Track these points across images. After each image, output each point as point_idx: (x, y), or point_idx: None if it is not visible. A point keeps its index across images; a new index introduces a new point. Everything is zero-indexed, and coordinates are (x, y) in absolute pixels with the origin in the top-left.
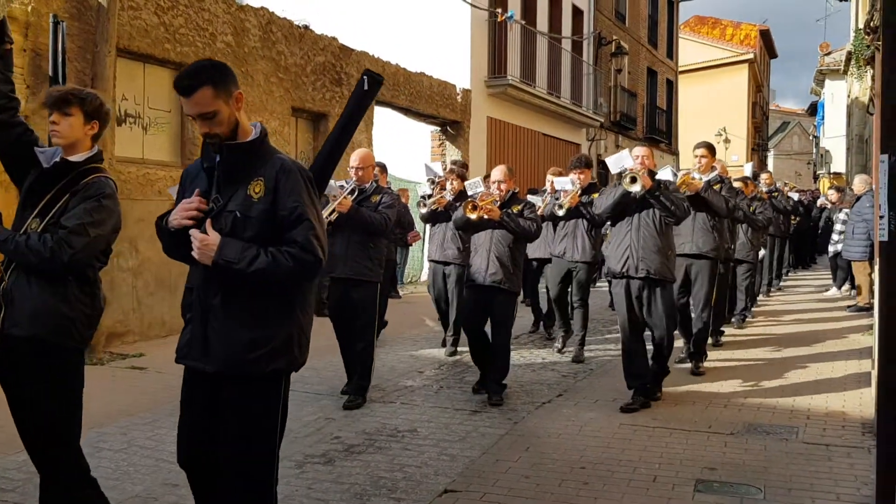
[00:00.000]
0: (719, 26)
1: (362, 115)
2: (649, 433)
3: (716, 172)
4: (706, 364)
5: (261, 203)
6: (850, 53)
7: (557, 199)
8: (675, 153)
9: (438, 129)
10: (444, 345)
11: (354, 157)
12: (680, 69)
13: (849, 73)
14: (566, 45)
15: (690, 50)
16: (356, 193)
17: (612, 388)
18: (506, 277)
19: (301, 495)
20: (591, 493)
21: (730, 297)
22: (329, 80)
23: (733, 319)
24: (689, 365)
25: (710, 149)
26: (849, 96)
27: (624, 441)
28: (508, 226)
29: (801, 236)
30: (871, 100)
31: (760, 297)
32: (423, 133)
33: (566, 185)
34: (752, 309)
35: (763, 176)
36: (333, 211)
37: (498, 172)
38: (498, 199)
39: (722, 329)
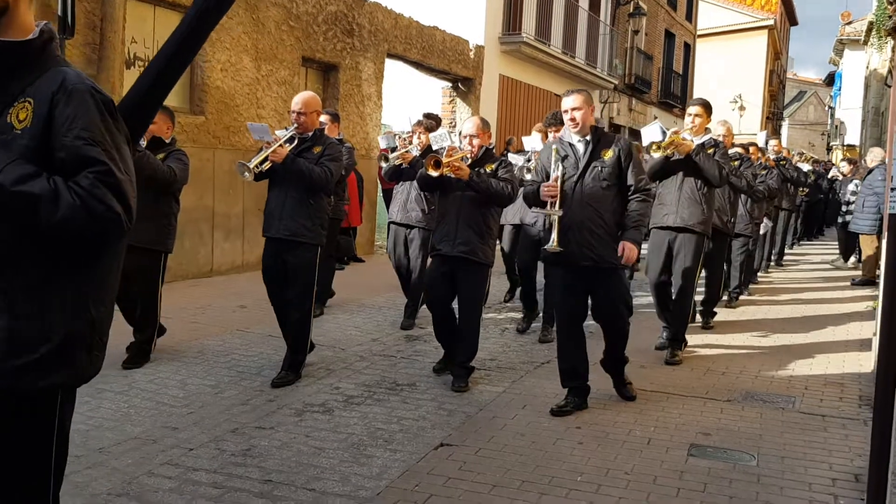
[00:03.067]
0: None
1: (212, 29)
2: (646, 397)
3: (710, 135)
4: (688, 344)
5: (25, 137)
6: (871, 24)
7: (530, 160)
8: None
9: (450, 85)
10: (406, 325)
11: (296, 101)
12: (698, 33)
13: (869, 43)
14: (583, 3)
15: (710, 13)
16: (295, 142)
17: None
18: (477, 247)
19: (299, 443)
20: (584, 453)
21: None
22: (341, 30)
23: (724, 297)
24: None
25: (707, 107)
26: (867, 68)
27: (620, 404)
28: (479, 187)
29: (811, 208)
30: (889, 72)
31: (760, 274)
32: (434, 89)
33: (536, 144)
34: (750, 286)
35: (772, 143)
36: (266, 160)
37: (470, 125)
38: (469, 155)
39: (715, 311)
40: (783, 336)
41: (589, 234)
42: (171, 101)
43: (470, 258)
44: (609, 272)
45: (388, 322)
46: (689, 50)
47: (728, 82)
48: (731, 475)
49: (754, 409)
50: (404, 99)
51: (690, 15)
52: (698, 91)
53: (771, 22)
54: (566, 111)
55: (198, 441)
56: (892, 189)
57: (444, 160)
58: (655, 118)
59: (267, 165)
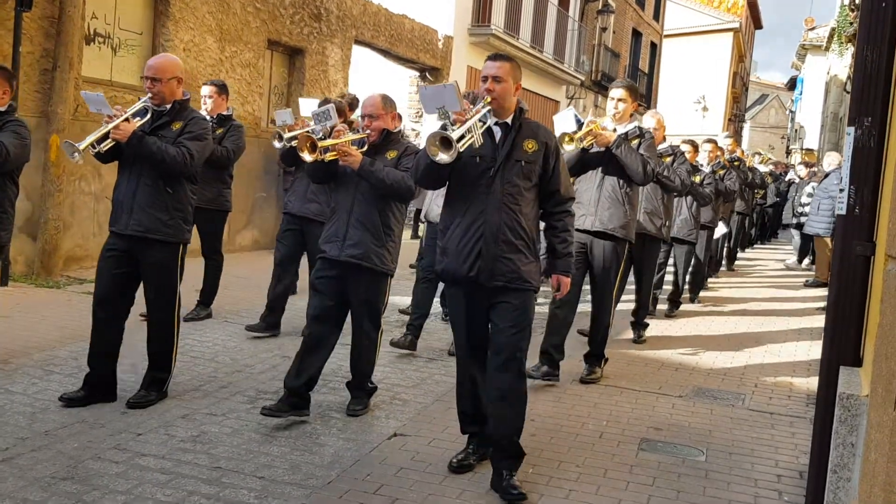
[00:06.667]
0: None
1: None
2: (600, 391)
3: (635, 124)
4: (647, 333)
5: None
6: (833, 30)
7: None
8: None
9: (417, 74)
10: (254, 328)
11: (149, 64)
12: (664, 33)
13: (830, 49)
14: None
15: (676, 13)
16: (148, 116)
17: (567, 345)
18: (370, 251)
19: (250, 430)
20: (537, 445)
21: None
22: (308, 14)
23: (665, 306)
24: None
25: (632, 91)
26: (828, 73)
27: (575, 397)
28: (371, 177)
29: (767, 210)
30: (849, 78)
31: (711, 280)
32: (401, 78)
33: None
34: (701, 293)
35: (726, 142)
36: (107, 138)
37: (370, 103)
38: (367, 139)
39: (646, 322)
40: (736, 335)
41: (506, 245)
42: (130, 79)
43: (361, 264)
44: (522, 295)
45: None
46: (655, 49)
47: (692, 83)
48: (679, 470)
49: (705, 405)
50: (371, 87)
51: (658, 14)
52: (664, 90)
53: (736, 25)
54: (485, 78)
55: (147, 426)
56: (841, 190)
57: (325, 143)
58: (569, 106)
59: (109, 144)
